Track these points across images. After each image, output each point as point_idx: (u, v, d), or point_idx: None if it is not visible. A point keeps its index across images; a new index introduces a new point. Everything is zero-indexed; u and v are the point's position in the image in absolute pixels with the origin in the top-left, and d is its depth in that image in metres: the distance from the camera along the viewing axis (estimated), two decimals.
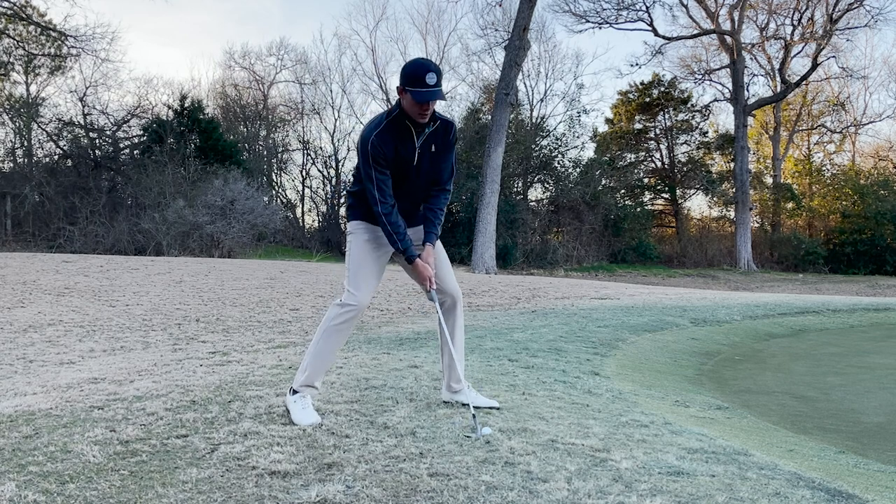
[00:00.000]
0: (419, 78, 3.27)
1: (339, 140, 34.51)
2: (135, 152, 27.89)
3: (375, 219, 3.49)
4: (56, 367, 5.17)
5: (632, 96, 36.46)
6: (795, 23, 33.71)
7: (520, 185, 33.04)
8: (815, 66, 32.85)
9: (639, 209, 34.44)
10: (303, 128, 35.36)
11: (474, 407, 3.42)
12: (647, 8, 32.55)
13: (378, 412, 3.55)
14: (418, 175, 3.52)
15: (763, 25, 35.07)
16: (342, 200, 33.32)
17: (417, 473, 2.66)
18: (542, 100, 35.46)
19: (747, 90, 34.35)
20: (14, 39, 26.19)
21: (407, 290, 10.97)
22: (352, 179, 3.66)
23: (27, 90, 27.77)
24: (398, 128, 3.41)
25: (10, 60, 26.62)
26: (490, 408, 3.68)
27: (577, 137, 33.88)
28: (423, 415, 3.52)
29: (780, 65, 34.59)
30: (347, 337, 3.57)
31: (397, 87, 3.38)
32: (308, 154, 34.79)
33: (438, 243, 3.69)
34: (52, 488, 2.48)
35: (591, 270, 28.93)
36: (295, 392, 3.43)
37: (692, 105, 36.38)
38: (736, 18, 33.69)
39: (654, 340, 7.34)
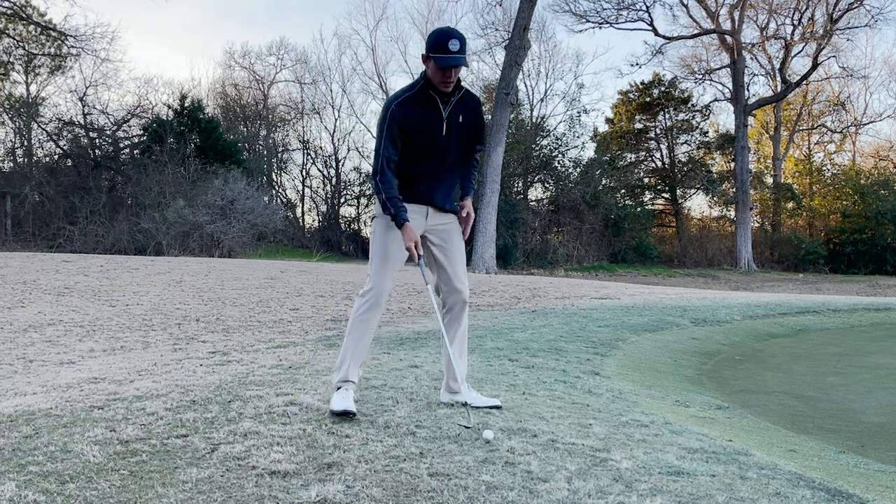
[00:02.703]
0: (443, 44, 3.30)
1: (339, 140, 34.52)
2: (135, 152, 27.88)
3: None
4: (56, 367, 5.17)
5: (632, 96, 36.43)
6: (796, 22, 33.72)
7: (520, 184, 33.03)
8: (815, 65, 32.84)
9: (639, 209, 34.41)
10: (303, 127, 35.35)
11: (473, 406, 3.42)
12: (647, 8, 32.54)
13: (378, 412, 3.55)
14: (448, 145, 3.52)
15: (763, 25, 35.10)
16: (342, 200, 33.35)
17: (417, 473, 2.65)
18: (542, 99, 35.47)
19: (747, 90, 34.36)
20: (14, 39, 26.18)
21: (407, 289, 10.97)
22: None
23: (27, 90, 27.78)
24: (423, 98, 3.42)
25: (10, 60, 26.61)
26: (491, 407, 3.67)
27: (578, 137, 33.89)
28: (423, 415, 3.52)
29: (781, 64, 34.59)
30: (375, 326, 3.56)
31: (422, 55, 3.40)
32: (308, 154, 34.78)
33: (461, 241, 3.70)
34: (52, 488, 2.47)
35: (591, 270, 28.92)
36: (338, 388, 3.50)
37: (692, 105, 36.36)
38: (736, 18, 33.69)
39: (654, 340, 7.34)
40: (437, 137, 3.47)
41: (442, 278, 3.66)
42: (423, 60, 3.39)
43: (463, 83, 3.52)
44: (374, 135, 3.62)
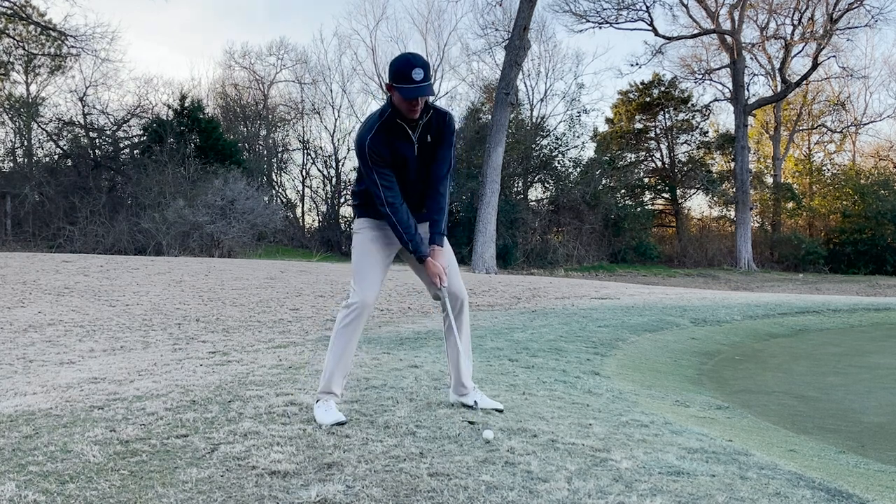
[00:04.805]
0: (405, 74, 3.22)
1: (339, 140, 34.48)
2: (135, 152, 27.86)
3: (379, 214, 3.46)
4: (56, 367, 5.17)
5: (632, 96, 36.43)
6: (795, 22, 33.72)
7: (520, 184, 33.02)
8: (815, 65, 32.83)
9: (639, 209, 34.40)
10: (303, 127, 35.32)
11: (478, 408, 3.42)
12: (647, 8, 32.54)
13: (378, 412, 3.55)
14: (419, 168, 3.49)
15: (763, 25, 35.10)
16: (343, 200, 33.32)
17: (417, 473, 2.65)
18: (542, 99, 35.46)
19: (747, 90, 34.35)
20: (14, 39, 26.17)
21: (407, 289, 10.97)
22: (355, 178, 3.64)
23: (27, 90, 27.76)
24: (392, 126, 3.38)
25: (10, 60, 26.60)
26: (494, 409, 3.67)
27: (578, 137, 33.87)
28: (424, 415, 3.52)
29: (781, 64, 34.58)
30: (357, 337, 3.52)
31: (386, 84, 3.34)
32: (308, 154, 34.75)
33: (447, 243, 3.63)
34: (52, 488, 2.48)
35: (591, 270, 28.91)
36: (318, 401, 3.46)
37: (692, 105, 36.35)
38: (736, 18, 33.69)
39: (654, 340, 7.34)
40: (409, 162, 3.44)
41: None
42: (388, 89, 3.31)
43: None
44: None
